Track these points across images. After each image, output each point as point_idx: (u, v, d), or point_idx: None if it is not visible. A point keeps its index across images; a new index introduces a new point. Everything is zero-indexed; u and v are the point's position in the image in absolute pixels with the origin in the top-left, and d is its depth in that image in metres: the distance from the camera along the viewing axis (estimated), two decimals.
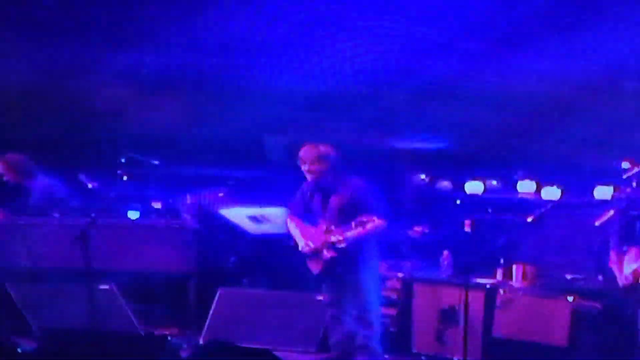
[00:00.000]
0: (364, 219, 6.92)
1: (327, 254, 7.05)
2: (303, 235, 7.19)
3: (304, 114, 8.85)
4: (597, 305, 7.04)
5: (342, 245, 6.96)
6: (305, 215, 7.29)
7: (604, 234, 7.13)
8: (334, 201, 7.13)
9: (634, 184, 7.23)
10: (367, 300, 7.12)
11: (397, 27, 7.57)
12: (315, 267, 7.17)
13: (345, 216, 7.05)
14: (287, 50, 8.58)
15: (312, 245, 7.10)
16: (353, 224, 6.95)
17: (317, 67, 8.54)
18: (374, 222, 6.95)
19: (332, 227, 7.05)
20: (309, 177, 7.20)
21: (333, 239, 7.01)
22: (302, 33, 8.36)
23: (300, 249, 7.18)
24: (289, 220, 7.36)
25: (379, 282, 7.29)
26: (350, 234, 6.98)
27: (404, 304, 7.79)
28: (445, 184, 8.38)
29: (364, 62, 8.10)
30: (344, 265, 7.07)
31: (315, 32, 8.32)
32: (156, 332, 7.76)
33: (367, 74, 8.22)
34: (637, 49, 7.33)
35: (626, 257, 6.50)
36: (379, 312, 7.24)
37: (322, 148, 7.16)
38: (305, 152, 7.17)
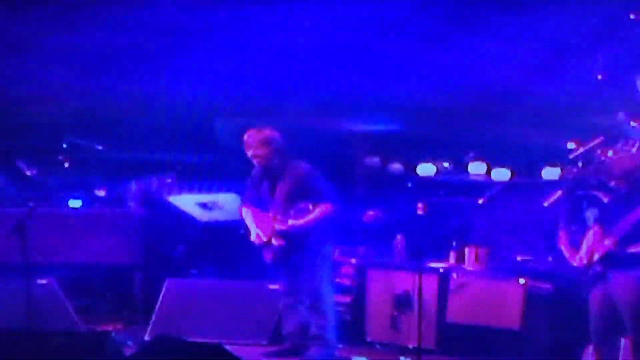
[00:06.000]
0: (304, 206, 6.95)
1: (275, 242, 7.07)
2: (256, 224, 7.18)
3: (255, 97, 8.75)
4: (548, 286, 7.17)
5: (284, 230, 6.99)
6: (257, 202, 7.27)
7: (552, 215, 7.22)
8: (281, 187, 7.15)
9: (580, 164, 7.39)
10: (320, 288, 7.14)
11: (347, 6, 7.53)
12: (267, 256, 7.22)
13: (292, 202, 7.07)
14: (236, 30, 8.48)
15: (262, 237, 7.12)
16: (292, 212, 6.99)
17: (267, 47, 8.44)
18: (318, 209, 6.97)
19: (278, 216, 7.05)
20: (255, 162, 7.23)
21: (277, 227, 7.00)
22: (251, 12, 8.26)
23: (252, 239, 7.17)
24: (243, 209, 7.34)
25: (332, 269, 7.30)
26: (292, 221, 7.00)
27: (358, 290, 7.78)
28: (397, 167, 8.38)
29: (315, 42, 8.04)
30: (295, 253, 7.09)
31: (264, 10, 8.22)
32: (99, 329, 7.64)
33: (318, 55, 8.16)
34: (582, 30, 7.42)
35: (586, 236, 6.53)
36: (332, 301, 7.26)
37: (267, 132, 7.17)
38: (250, 137, 7.18)
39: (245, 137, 7.17)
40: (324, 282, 7.14)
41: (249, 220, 7.23)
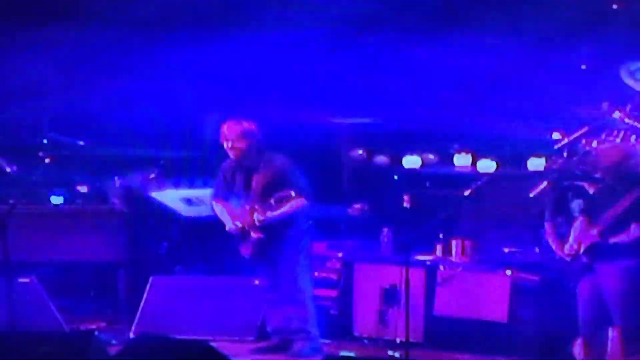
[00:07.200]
0: (283, 195, 6.93)
1: (254, 235, 7.03)
2: (231, 216, 7.13)
3: (240, 91, 8.74)
4: (535, 278, 7.20)
5: (262, 222, 6.97)
6: (229, 196, 7.22)
7: (538, 206, 7.24)
8: (257, 180, 7.11)
9: (565, 155, 7.40)
10: (300, 281, 7.14)
11: (332, 1, 7.53)
12: (245, 251, 7.17)
13: (268, 195, 7.03)
14: (221, 26, 8.46)
15: (239, 224, 7.05)
16: (272, 200, 6.96)
17: (251, 43, 8.43)
18: (291, 202, 6.95)
19: (256, 207, 7.00)
20: (231, 154, 7.16)
21: (256, 218, 6.95)
22: (236, 8, 8.24)
23: (227, 229, 7.13)
24: (214, 203, 7.29)
25: (310, 262, 7.29)
26: (271, 212, 6.97)
27: (344, 285, 7.78)
28: (383, 159, 8.39)
29: (300, 37, 8.04)
30: (273, 247, 7.07)
31: (248, 7, 8.21)
32: (82, 328, 7.61)
33: (302, 49, 8.16)
34: (566, 21, 7.47)
35: (573, 226, 6.57)
36: (311, 294, 7.26)
37: (246, 124, 7.13)
38: (229, 129, 7.12)
39: (224, 129, 7.11)
40: (303, 275, 7.13)
41: (221, 214, 7.18)
